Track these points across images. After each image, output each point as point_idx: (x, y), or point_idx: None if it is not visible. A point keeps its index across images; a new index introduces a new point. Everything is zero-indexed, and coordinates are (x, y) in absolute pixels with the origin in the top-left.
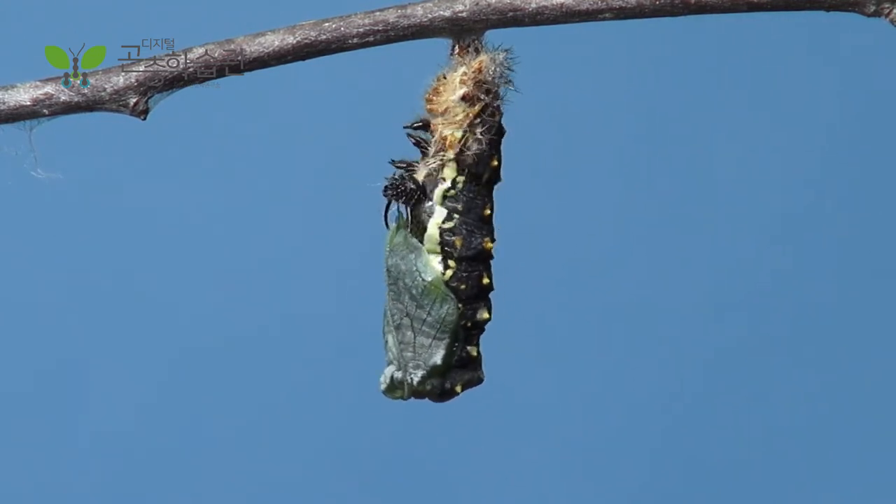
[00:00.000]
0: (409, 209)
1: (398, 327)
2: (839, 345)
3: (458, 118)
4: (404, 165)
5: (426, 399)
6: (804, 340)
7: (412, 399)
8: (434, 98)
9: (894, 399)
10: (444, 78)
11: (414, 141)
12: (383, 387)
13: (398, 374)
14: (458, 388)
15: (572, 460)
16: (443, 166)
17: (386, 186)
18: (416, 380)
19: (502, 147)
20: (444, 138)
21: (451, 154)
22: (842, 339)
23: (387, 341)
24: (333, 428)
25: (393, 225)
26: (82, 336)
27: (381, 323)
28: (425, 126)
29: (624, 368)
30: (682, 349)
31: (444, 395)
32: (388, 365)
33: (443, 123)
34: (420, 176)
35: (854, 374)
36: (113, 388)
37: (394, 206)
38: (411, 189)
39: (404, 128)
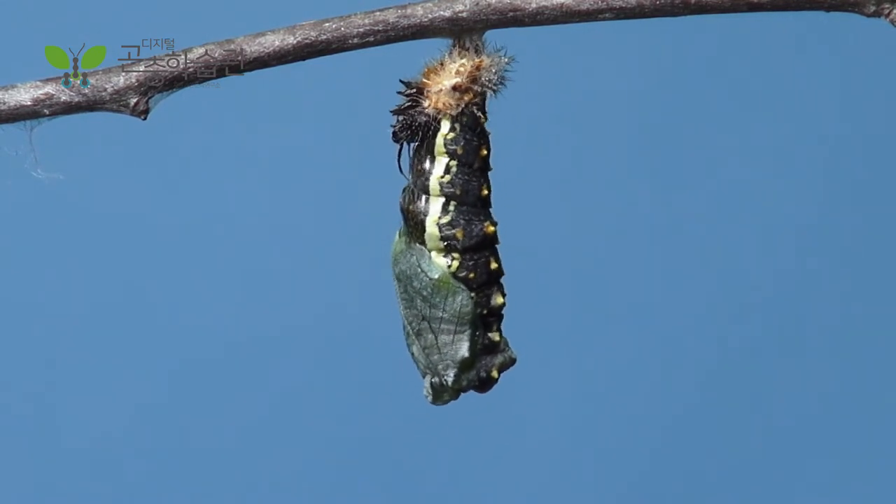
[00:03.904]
0: (409, 204)
1: (418, 334)
2: (842, 347)
3: (445, 102)
4: (413, 90)
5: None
6: (808, 342)
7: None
8: (431, 76)
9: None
10: (442, 65)
11: (408, 99)
12: (429, 398)
13: (435, 380)
14: (495, 374)
15: (572, 459)
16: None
17: (394, 132)
18: (450, 379)
19: (490, 139)
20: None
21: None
22: (845, 342)
23: (413, 353)
24: (332, 430)
25: (395, 236)
26: (81, 337)
27: (403, 338)
28: (420, 91)
29: (625, 369)
30: (682, 350)
31: (483, 384)
32: (424, 376)
33: (434, 101)
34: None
35: (857, 377)
36: (113, 390)
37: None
38: (424, 122)
39: (400, 81)
